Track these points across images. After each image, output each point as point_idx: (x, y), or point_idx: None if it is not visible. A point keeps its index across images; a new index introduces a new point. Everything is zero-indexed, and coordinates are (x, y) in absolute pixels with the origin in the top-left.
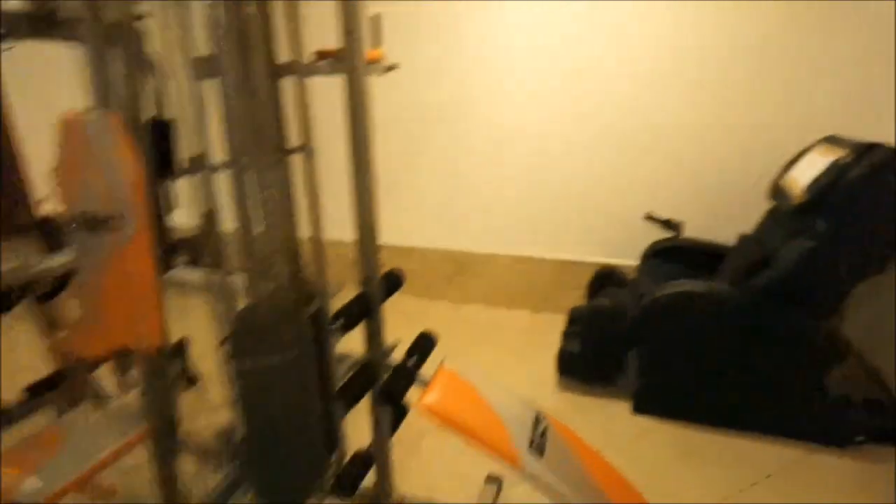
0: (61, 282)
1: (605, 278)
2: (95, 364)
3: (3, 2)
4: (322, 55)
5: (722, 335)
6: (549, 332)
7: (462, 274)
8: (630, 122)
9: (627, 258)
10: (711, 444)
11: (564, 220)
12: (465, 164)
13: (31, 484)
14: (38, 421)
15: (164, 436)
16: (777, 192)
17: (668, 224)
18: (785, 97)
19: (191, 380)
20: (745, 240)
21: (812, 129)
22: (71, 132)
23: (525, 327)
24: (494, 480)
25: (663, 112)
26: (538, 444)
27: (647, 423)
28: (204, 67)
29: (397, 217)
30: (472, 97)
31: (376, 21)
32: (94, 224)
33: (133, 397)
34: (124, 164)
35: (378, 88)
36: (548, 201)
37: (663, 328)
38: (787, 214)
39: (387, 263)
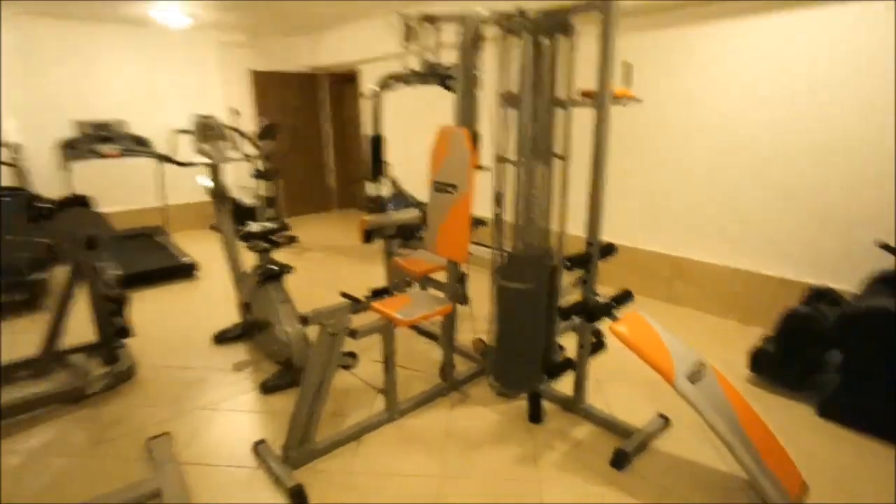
0: (401, 229)
1: (819, 296)
2: (411, 281)
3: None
4: (585, 94)
5: None
6: (753, 343)
7: (679, 278)
8: (862, 147)
9: (853, 285)
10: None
11: (791, 238)
12: (696, 177)
13: (405, 313)
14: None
15: (451, 316)
16: None
17: None
18: None
19: (465, 298)
20: None
21: None
22: (443, 137)
23: (730, 335)
24: (663, 418)
25: None
26: (694, 376)
27: (830, 427)
28: (509, 100)
29: (629, 220)
30: (708, 117)
31: (628, 67)
32: (446, 188)
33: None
34: (467, 155)
35: (631, 110)
36: (775, 218)
37: (861, 341)
38: None
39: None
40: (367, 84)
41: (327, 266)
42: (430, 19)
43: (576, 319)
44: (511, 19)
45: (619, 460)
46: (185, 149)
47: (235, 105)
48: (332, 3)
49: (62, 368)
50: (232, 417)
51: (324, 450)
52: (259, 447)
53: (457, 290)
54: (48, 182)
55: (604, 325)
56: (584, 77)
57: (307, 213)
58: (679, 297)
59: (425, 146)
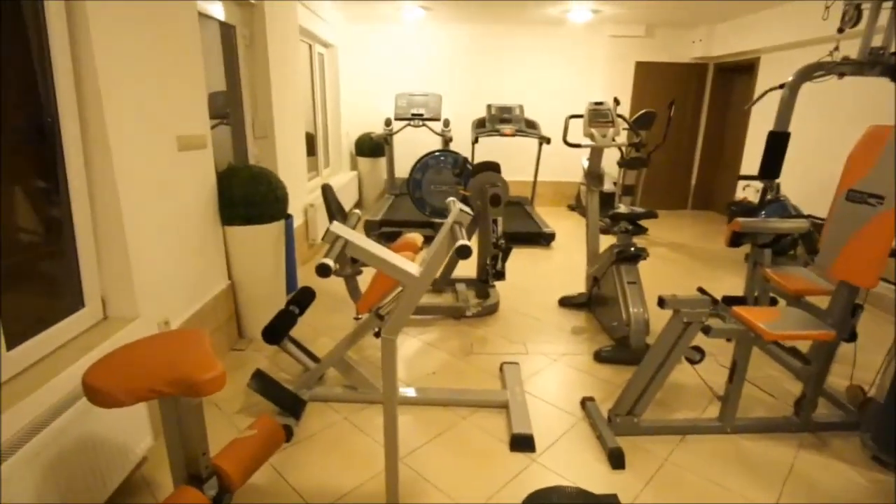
0: (776, 239)
1: None
2: (776, 298)
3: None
4: None
5: None
6: None
7: None
8: None
9: None
10: None
11: None
12: None
13: (773, 326)
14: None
15: (831, 347)
16: None
17: None
18: None
19: (854, 335)
20: None
21: None
22: (875, 138)
23: None
24: None
25: None
26: None
27: None
28: None
29: None
30: None
31: None
32: (867, 198)
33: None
34: None
35: None
36: None
37: None
38: None
39: None
40: (769, 76)
41: (672, 264)
42: None
43: None
44: None
45: None
46: (574, 132)
47: (617, 94)
48: None
49: (450, 292)
50: (565, 370)
51: (646, 430)
52: (587, 403)
53: (845, 320)
54: (461, 149)
55: None
56: None
57: (660, 207)
58: None
59: (819, 150)
